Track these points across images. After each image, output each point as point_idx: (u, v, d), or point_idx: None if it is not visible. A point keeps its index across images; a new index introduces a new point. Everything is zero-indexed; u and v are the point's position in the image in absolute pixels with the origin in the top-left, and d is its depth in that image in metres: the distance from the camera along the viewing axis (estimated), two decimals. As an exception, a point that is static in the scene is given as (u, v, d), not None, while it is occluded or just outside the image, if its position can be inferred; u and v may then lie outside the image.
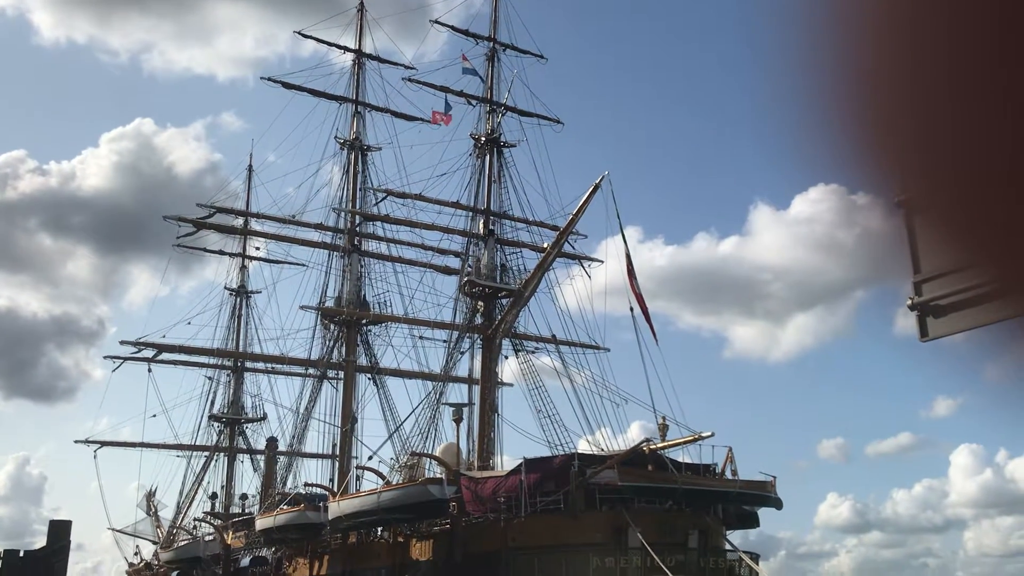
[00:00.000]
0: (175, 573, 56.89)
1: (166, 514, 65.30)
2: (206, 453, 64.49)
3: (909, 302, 2.98)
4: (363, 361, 51.36)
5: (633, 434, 41.05)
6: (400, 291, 50.36)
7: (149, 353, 57.28)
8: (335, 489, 43.28)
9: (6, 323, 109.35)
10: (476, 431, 41.81)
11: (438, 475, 35.81)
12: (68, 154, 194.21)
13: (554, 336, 42.93)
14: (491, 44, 47.07)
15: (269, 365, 62.25)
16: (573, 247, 45.30)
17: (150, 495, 65.70)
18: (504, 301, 42.70)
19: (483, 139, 45.22)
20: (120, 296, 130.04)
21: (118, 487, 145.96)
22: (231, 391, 65.41)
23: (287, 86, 52.90)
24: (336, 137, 53.38)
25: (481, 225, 44.47)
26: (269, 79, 53.33)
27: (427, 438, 41.16)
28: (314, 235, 53.78)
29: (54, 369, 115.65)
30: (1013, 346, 2.34)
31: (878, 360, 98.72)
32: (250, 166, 66.52)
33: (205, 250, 65.32)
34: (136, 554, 67.70)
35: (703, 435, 31.65)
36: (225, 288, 66.88)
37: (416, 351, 51.08)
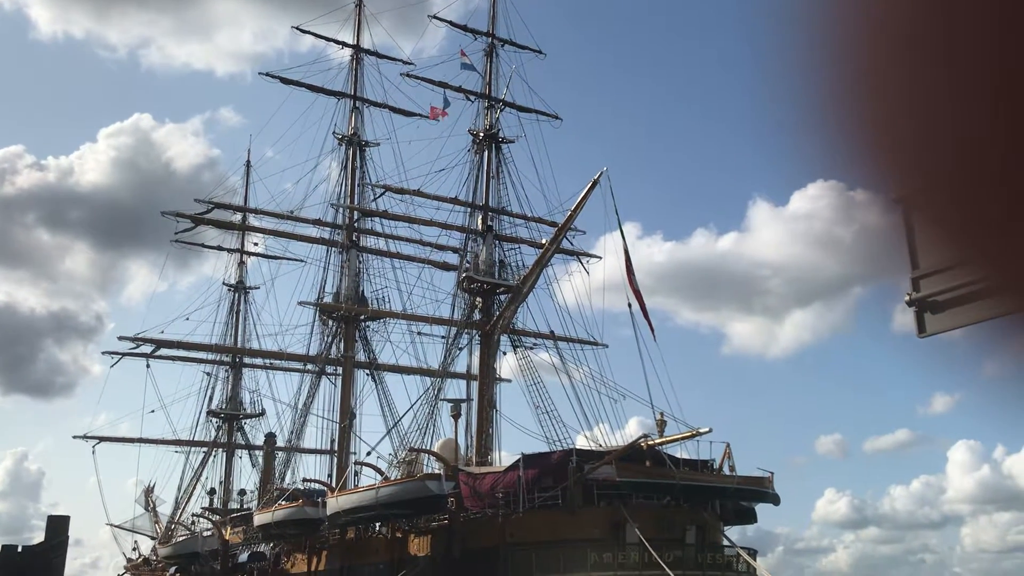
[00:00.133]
0: (173, 568, 56.92)
1: (164, 510, 65.48)
2: (204, 449, 64.56)
3: (907, 298, 2.99)
4: (361, 357, 51.37)
5: (631, 430, 41.19)
6: (398, 287, 50.44)
7: (147, 349, 57.18)
8: (333, 485, 43.32)
9: (4, 319, 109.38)
10: (474, 427, 41.86)
11: (436, 471, 35.87)
12: (66, 149, 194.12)
13: (552, 332, 42.97)
14: (489, 40, 47.02)
15: (267, 361, 62.20)
16: (571, 243, 45.32)
17: (148, 491, 65.80)
18: (502, 297, 42.71)
19: (481, 135, 45.20)
20: (118, 292, 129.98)
21: (116, 483, 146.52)
22: (229, 387, 65.46)
23: (285, 81, 52.84)
24: (334, 133, 53.36)
25: (479, 221, 44.46)
26: (267, 74, 53.32)
27: (425, 434, 41.25)
28: (312, 231, 53.81)
29: (52, 365, 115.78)
30: (1011, 342, 2.35)
31: (876, 356, 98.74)
32: (248, 162, 66.49)
33: (203, 246, 65.26)
34: (134, 550, 67.81)
35: (701, 431, 31.71)
36: (223, 284, 66.94)
37: (414, 347, 51.08)
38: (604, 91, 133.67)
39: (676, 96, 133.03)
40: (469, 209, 44.85)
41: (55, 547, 73.15)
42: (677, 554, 29.33)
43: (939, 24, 2.00)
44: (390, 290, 50.88)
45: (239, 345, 64.96)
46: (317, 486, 45.30)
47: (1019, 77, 1.93)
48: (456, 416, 40.85)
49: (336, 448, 50.03)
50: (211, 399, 64.65)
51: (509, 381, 46.59)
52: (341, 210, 52.53)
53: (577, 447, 35.23)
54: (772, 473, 33.13)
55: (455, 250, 47.78)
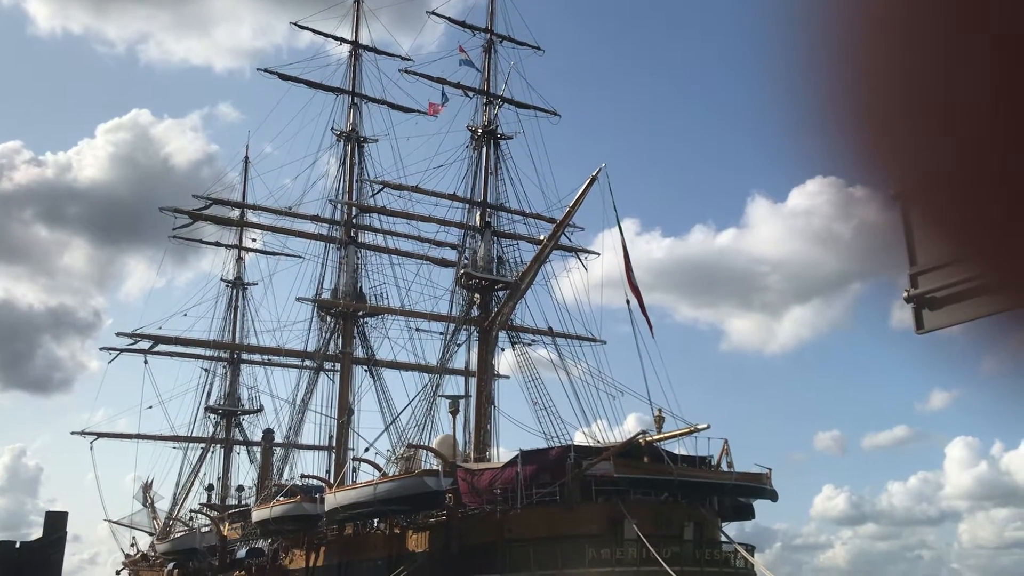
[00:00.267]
0: (171, 564, 56.91)
1: (162, 505, 65.48)
2: (202, 445, 64.52)
3: (905, 294, 2.99)
4: (359, 353, 51.38)
5: (629, 426, 41.12)
6: (396, 283, 50.43)
7: (145, 345, 57.16)
8: (331, 481, 43.34)
9: (2, 315, 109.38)
10: (472, 423, 41.87)
11: (434, 467, 35.89)
12: (64, 145, 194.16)
13: (550, 328, 43.00)
14: (488, 36, 46.98)
15: (265, 357, 62.17)
16: (570, 239, 45.37)
17: (146, 487, 65.76)
18: (501, 293, 42.71)
19: (480, 131, 45.17)
20: (116, 287, 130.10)
21: (114, 479, 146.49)
22: (227, 383, 65.45)
23: (284, 77, 52.81)
24: (333, 129, 53.33)
25: (478, 217, 44.45)
26: (266, 70, 53.36)
27: (423, 430, 41.28)
28: (310, 227, 53.83)
29: (50, 360, 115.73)
30: (1009, 338, 2.35)
31: (874, 353, 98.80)
32: (246, 157, 66.38)
33: (201, 241, 65.35)
34: (132, 545, 67.84)
35: (699, 427, 31.75)
36: (221, 280, 66.90)
37: (412, 343, 50.98)
38: (603, 87, 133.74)
39: (675, 92, 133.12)
40: (467, 205, 44.84)
41: (53, 543, 73.12)
42: (675, 550, 29.36)
43: (939, 23, 2.00)
44: (388, 286, 50.95)
45: (237, 341, 64.99)
46: (315, 482, 45.34)
47: (1019, 76, 1.93)
48: (454, 412, 40.87)
49: (334, 444, 50.06)
50: (209, 395, 64.77)
51: (507, 377, 46.69)
52: (339, 206, 52.54)
53: (575, 443, 35.29)
54: (770, 469, 33.19)
55: (453, 246, 47.84)
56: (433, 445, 38.69)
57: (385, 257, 51.63)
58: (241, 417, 65.23)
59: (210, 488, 64.55)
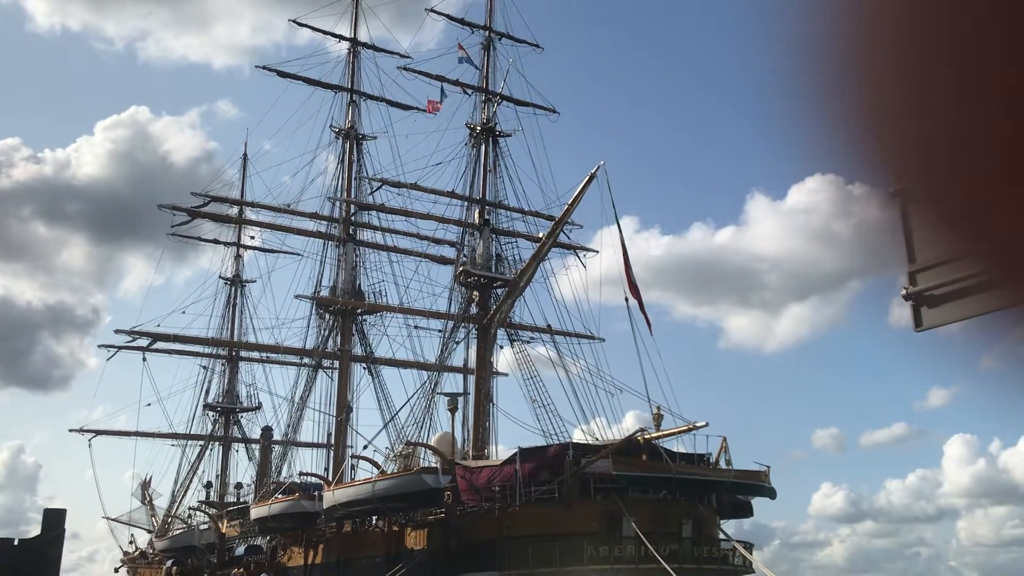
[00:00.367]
0: (170, 562, 56.90)
1: (161, 503, 65.48)
2: (201, 442, 64.50)
3: (904, 292, 2.99)
4: (358, 350, 51.40)
5: (628, 424, 41.16)
6: (395, 280, 50.46)
7: (144, 342, 57.24)
8: (330, 478, 43.35)
9: (1, 312, 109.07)
10: (471, 420, 41.87)
11: (433, 464, 35.89)
12: (63, 142, 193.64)
13: (549, 326, 42.96)
14: (487, 33, 46.95)
15: (264, 354, 62.20)
16: (568, 237, 45.37)
17: (145, 484, 65.78)
18: (499, 291, 42.69)
19: (479, 128, 45.15)
20: (115, 285, 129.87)
21: (113, 476, 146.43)
22: (226, 380, 65.40)
23: (282, 75, 52.79)
24: (331, 126, 53.36)
25: (476, 215, 44.44)
26: (264, 67, 53.29)
27: (422, 427, 41.29)
28: (309, 224, 53.84)
29: (49, 358, 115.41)
30: (1007, 335, 2.35)
31: (873, 350, 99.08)
32: (245, 155, 66.29)
33: (200, 239, 65.25)
34: (131, 543, 67.90)
35: (697, 425, 31.74)
36: (220, 277, 66.82)
37: (411, 341, 51.06)
38: (601, 85, 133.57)
39: (674, 90, 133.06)
40: (466, 203, 44.83)
41: (51, 540, 73.03)
42: (673, 547, 29.39)
43: (942, 22, 2.01)
44: (387, 284, 50.99)
45: (236, 339, 64.98)
46: (314, 479, 45.34)
47: (1019, 74, 1.93)
48: (453, 410, 40.86)
49: (333, 442, 50.07)
50: (207, 392, 64.74)
51: (506, 375, 46.72)
52: (338, 204, 52.53)
53: (574, 441, 35.27)
54: (768, 467, 33.23)
55: (452, 244, 47.82)
56: (432, 443, 38.68)
57: (384, 254, 51.72)
58: (240, 414, 65.22)
59: (208, 485, 64.58)
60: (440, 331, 45.38)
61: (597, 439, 36.69)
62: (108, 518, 67.24)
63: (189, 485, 64.07)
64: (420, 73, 47.44)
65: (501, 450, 41.15)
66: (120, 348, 58.31)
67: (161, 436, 63.63)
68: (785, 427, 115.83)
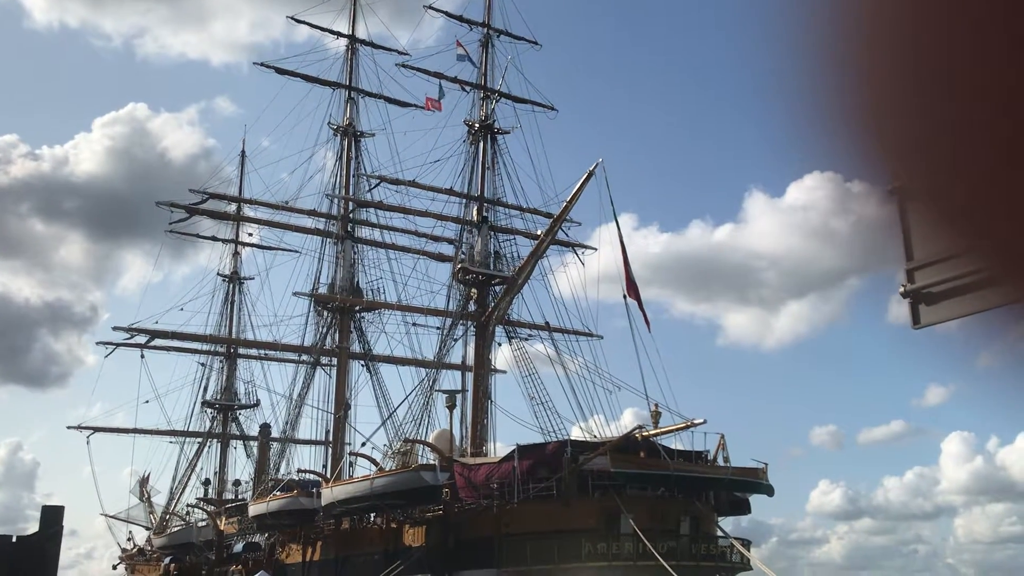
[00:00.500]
0: (168, 559, 56.91)
1: (159, 500, 65.52)
2: (199, 439, 64.50)
3: (902, 289, 2.99)
4: (356, 348, 51.41)
5: (626, 421, 41.18)
6: (393, 278, 50.46)
7: (142, 339, 57.19)
8: (328, 475, 43.37)
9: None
10: (469, 418, 41.89)
11: (431, 461, 35.91)
12: (61, 139, 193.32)
13: (547, 323, 43.01)
14: (485, 30, 46.92)
15: (262, 351, 62.27)
16: (567, 234, 45.39)
17: (143, 481, 65.82)
18: (498, 288, 42.71)
19: (477, 126, 45.14)
20: (113, 282, 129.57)
21: (111, 473, 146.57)
22: (224, 377, 65.41)
23: (280, 71, 52.72)
24: (329, 123, 53.35)
25: (475, 212, 44.44)
26: (263, 64, 53.21)
27: (420, 425, 41.29)
28: (307, 221, 53.80)
29: (47, 355, 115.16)
30: (1006, 333, 2.36)
31: (871, 348, 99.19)
32: (243, 152, 66.26)
33: (198, 236, 65.12)
34: (129, 540, 67.96)
35: (695, 422, 31.76)
36: (218, 274, 66.78)
37: (409, 338, 51.07)
38: (600, 82, 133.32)
39: (673, 87, 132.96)
40: (464, 200, 44.83)
41: (49, 537, 72.85)
42: (671, 545, 29.44)
43: (942, 22, 2.01)
44: (385, 281, 50.99)
45: (234, 336, 64.97)
46: (312, 476, 45.36)
47: (1020, 75, 1.93)
48: (451, 407, 40.87)
49: (331, 439, 50.09)
50: (206, 389, 64.71)
51: (504, 372, 46.73)
52: (336, 201, 52.53)
53: (572, 438, 35.33)
54: (766, 464, 33.24)
55: (450, 241, 47.79)
56: (430, 440, 38.70)
57: (382, 252, 51.71)
58: (238, 412, 65.25)
59: (207, 483, 64.61)
60: (438, 328, 45.46)
61: (595, 436, 36.76)
62: (106, 515, 67.32)
63: (187, 482, 64.13)
64: (418, 70, 47.45)
65: (499, 447, 41.21)
66: (118, 345, 58.33)
67: (159, 433, 63.68)
68: (783, 424, 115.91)
